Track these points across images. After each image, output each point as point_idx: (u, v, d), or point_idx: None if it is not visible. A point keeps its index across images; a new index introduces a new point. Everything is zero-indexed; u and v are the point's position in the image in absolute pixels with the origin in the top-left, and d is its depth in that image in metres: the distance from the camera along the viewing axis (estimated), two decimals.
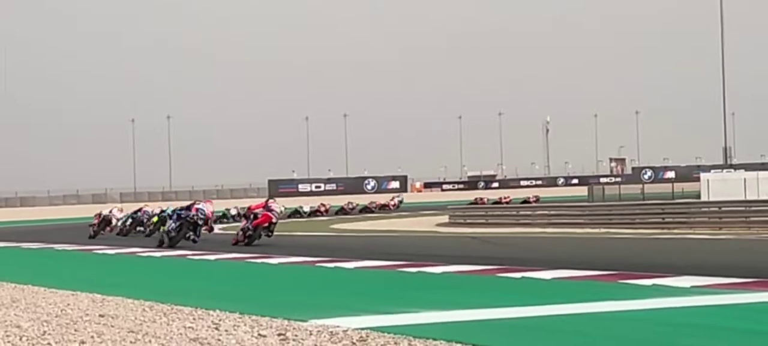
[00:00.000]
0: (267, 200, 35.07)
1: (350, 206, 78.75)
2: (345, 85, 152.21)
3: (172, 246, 32.07)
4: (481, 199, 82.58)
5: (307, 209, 76.36)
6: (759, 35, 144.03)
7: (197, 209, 32.66)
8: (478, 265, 19.74)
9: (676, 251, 25.45)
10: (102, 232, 41.02)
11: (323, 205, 77.73)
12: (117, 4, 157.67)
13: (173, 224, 32.92)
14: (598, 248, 27.00)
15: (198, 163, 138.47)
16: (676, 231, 34.72)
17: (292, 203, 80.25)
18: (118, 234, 39.55)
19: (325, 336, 10.41)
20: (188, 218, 32.54)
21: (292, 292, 16.67)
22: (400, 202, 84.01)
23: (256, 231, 33.05)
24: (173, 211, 34.67)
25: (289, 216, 71.13)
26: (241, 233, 33.43)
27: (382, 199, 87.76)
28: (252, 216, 33.69)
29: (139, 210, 41.31)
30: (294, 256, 24.56)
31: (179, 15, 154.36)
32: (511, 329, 11.15)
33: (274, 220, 33.35)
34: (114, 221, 41.05)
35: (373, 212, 77.50)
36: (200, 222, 32.52)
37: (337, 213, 75.68)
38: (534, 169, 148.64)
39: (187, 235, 32.51)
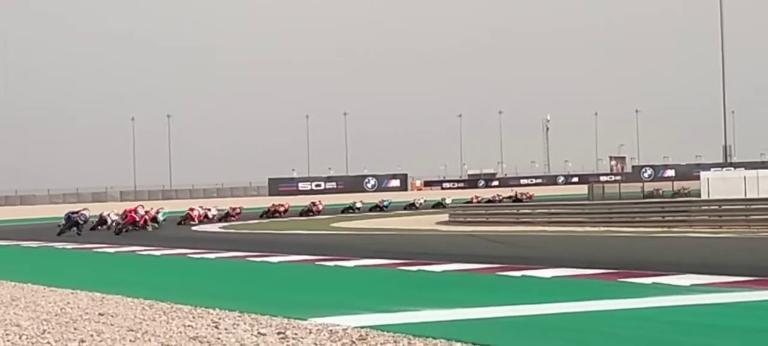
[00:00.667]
0: (137, 207, 49.70)
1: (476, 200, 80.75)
2: (345, 83, 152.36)
3: (59, 235, 42.89)
4: (658, 190, 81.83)
5: (449, 201, 78.34)
6: (759, 34, 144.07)
7: (81, 213, 45.14)
8: (478, 263, 19.74)
9: (676, 249, 25.44)
10: (68, 231, 44.99)
11: (477, 196, 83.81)
12: (117, 3, 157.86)
13: (63, 221, 45.36)
14: (599, 247, 26.99)
15: (198, 161, 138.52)
16: (676, 230, 34.70)
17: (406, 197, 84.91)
18: (58, 235, 43.63)
19: (324, 335, 10.40)
20: (72, 219, 44.72)
21: (292, 290, 16.66)
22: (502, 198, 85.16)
23: (125, 226, 46.07)
24: (68, 213, 46.28)
25: (433, 206, 75.88)
26: (115, 225, 47.17)
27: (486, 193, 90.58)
28: (124, 216, 47.64)
29: (76, 212, 45.94)
30: (294, 254, 24.56)
31: (179, 14, 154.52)
32: (511, 327, 11.14)
33: (136, 219, 46.97)
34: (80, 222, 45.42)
35: None
36: (81, 221, 44.37)
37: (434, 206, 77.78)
38: (534, 168, 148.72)
39: (72, 229, 44.15)
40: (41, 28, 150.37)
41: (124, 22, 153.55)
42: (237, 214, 67.46)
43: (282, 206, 72.59)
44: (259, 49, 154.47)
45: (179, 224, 57.54)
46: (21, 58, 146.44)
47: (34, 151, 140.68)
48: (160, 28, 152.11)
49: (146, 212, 50.30)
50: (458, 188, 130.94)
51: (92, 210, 50.55)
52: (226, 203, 74.50)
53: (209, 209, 65.88)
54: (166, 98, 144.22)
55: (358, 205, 77.93)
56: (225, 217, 65.97)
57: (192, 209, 62.58)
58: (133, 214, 47.41)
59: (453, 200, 78.65)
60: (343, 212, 74.09)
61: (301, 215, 70.36)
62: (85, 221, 45.42)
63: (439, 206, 76.54)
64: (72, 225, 44.64)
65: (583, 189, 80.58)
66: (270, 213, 70.14)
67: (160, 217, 54.20)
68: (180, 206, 69.56)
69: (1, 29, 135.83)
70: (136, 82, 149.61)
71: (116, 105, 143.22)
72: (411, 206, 77.86)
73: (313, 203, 74.70)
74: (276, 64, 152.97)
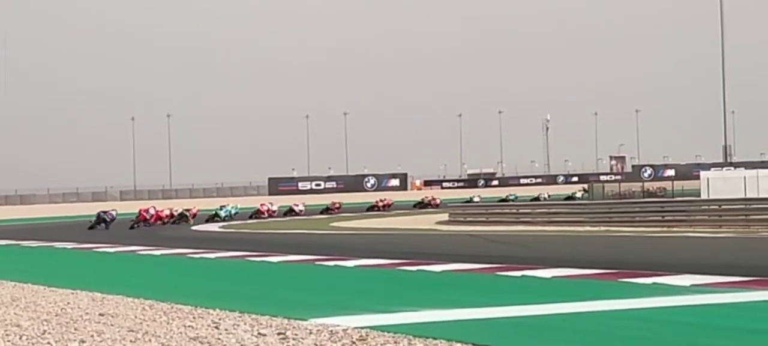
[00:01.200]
0: (149, 207, 58.18)
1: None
2: (345, 83, 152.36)
3: (90, 229, 50.58)
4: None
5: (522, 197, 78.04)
6: (759, 34, 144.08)
7: (108, 212, 54.09)
8: (478, 263, 19.75)
9: (676, 249, 25.44)
10: (98, 226, 52.65)
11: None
12: (117, 3, 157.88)
13: (94, 218, 53.32)
14: (598, 247, 26.99)
15: (198, 161, 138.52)
16: (676, 229, 34.69)
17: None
18: (89, 228, 51.26)
19: (324, 335, 10.41)
20: (101, 216, 53.19)
21: (292, 290, 16.67)
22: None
23: (137, 223, 54.23)
24: (102, 211, 55.13)
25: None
26: (133, 223, 54.17)
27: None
28: (137, 215, 55.89)
29: (105, 211, 54.90)
30: (294, 254, 24.56)
31: (179, 14, 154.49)
32: (511, 327, 11.15)
33: (147, 217, 55.23)
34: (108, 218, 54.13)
35: None
36: (107, 219, 52.66)
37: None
38: (534, 168, 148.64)
39: (101, 224, 52.03)
40: (41, 26, 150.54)
41: (124, 20, 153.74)
42: (337, 208, 72.21)
43: (383, 200, 76.87)
44: (259, 48, 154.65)
45: (250, 217, 64.89)
46: (21, 58, 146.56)
47: (34, 151, 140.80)
48: (160, 27, 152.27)
49: (189, 210, 60.74)
50: (458, 187, 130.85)
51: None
52: (228, 203, 74.47)
53: (297, 205, 72.34)
54: (166, 98, 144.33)
55: (476, 199, 76.17)
56: (325, 211, 71.35)
57: (263, 205, 70.02)
58: (144, 213, 55.92)
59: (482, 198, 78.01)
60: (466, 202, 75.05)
61: (414, 207, 75.49)
62: (112, 219, 53.34)
63: (503, 201, 71.76)
64: (101, 221, 52.75)
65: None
66: (373, 208, 74.91)
67: (223, 213, 62.30)
68: (180, 206, 69.62)
69: (1, 29, 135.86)
70: (136, 82, 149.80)
71: (116, 104, 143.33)
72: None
73: (433, 198, 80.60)
74: (276, 64, 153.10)
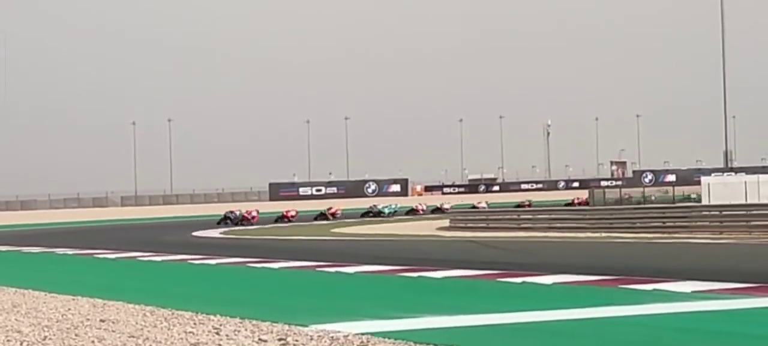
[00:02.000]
0: (252, 210, 66.43)
1: None
2: (346, 86, 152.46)
3: (218, 224, 61.68)
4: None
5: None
6: (760, 38, 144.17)
7: (233, 212, 65.88)
8: (479, 269, 19.74)
9: (677, 255, 25.42)
10: (225, 223, 62.97)
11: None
12: (118, 5, 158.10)
13: (222, 216, 65.23)
14: (599, 253, 26.98)
15: (199, 166, 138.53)
16: (677, 235, 34.67)
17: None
18: (217, 223, 62.59)
19: (325, 341, 10.41)
20: (228, 216, 64.75)
21: (293, 296, 16.67)
22: None
23: (241, 222, 63.04)
24: (228, 211, 67.02)
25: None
26: (238, 220, 63.39)
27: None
28: (241, 214, 65.02)
29: (231, 212, 66.55)
30: (295, 260, 24.56)
31: (180, 17, 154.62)
32: (512, 334, 11.15)
33: (248, 217, 64.19)
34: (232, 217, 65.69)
35: None
36: (232, 217, 64.43)
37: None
38: (535, 173, 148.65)
39: (226, 221, 63.60)
40: (42, 29, 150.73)
41: (124, 23, 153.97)
42: (528, 204, 72.36)
43: (443, 205, 77.92)
44: (259, 52, 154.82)
45: (406, 214, 71.07)
46: (21, 58, 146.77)
47: (35, 156, 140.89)
48: (160, 30, 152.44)
49: (330, 209, 70.44)
50: (459, 192, 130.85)
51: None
52: (228, 208, 74.59)
53: (480, 202, 77.84)
54: (167, 99, 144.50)
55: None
56: (518, 207, 71.29)
57: (419, 204, 77.12)
58: (246, 214, 65.37)
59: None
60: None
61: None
62: (236, 218, 64.64)
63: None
64: (226, 219, 64.38)
65: (583, 194, 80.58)
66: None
67: (386, 210, 70.79)
68: (182, 211, 69.94)
69: (1, 29, 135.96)
70: (137, 86, 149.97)
71: (117, 109, 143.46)
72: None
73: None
74: (277, 67, 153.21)
